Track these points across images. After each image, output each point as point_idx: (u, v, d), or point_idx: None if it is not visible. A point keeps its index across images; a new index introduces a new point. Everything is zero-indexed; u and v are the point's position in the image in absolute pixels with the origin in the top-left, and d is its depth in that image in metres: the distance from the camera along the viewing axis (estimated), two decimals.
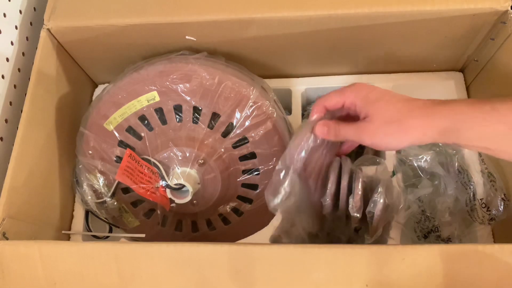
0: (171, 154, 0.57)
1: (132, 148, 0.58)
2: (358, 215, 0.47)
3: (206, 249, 0.44)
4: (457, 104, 0.40)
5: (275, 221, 0.58)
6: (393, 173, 0.59)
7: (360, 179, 0.47)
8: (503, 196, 0.55)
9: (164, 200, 0.58)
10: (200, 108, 0.55)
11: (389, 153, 0.60)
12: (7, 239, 0.48)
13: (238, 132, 0.56)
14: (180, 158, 0.57)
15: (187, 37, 0.58)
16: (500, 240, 0.58)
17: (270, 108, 0.55)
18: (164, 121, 0.57)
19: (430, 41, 0.59)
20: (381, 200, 0.46)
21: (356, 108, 0.44)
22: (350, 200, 0.47)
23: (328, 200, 0.48)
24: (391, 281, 0.41)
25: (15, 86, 0.60)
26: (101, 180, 0.60)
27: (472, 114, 0.39)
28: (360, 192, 0.47)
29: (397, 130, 0.41)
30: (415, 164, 0.58)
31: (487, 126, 0.38)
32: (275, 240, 0.50)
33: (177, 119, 0.56)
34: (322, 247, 0.42)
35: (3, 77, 0.58)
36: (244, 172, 0.59)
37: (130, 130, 0.58)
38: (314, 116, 0.46)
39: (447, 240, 0.58)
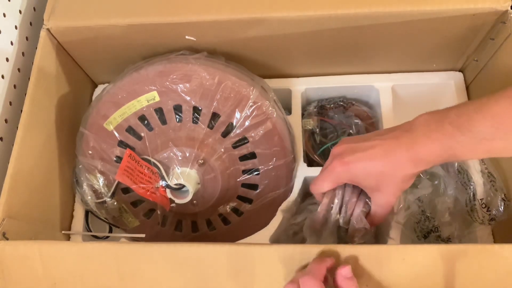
0: (171, 154, 0.57)
1: (132, 148, 0.58)
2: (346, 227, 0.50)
3: (206, 249, 0.44)
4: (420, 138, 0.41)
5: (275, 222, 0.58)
6: None
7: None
8: (503, 196, 0.55)
9: (164, 200, 0.58)
10: (200, 108, 0.55)
11: None
12: (7, 239, 0.48)
13: (238, 132, 0.56)
14: (180, 158, 0.57)
15: (187, 37, 0.58)
16: (500, 240, 0.58)
17: (270, 108, 0.55)
18: (164, 121, 0.57)
19: (430, 41, 0.59)
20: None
21: (356, 182, 0.46)
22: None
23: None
24: (391, 281, 0.41)
25: (15, 86, 0.60)
26: (101, 180, 0.60)
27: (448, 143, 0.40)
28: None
29: (394, 185, 0.44)
30: None
31: (458, 142, 0.39)
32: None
33: (177, 119, 0.56)
34: (322, 247, 0.42)
35: (3, 77, 0.58)
36: (244, 172, 0.59)
37: (130, 130, 0.58)
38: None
39: (447, 240, 0.58)
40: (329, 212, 0.50)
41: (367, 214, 0.49)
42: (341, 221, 0.50)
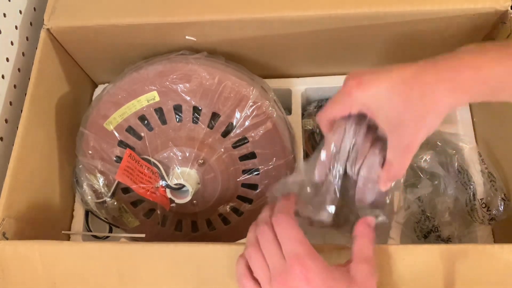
0: (171, 154, 0.57)
1: (132, 148, 0.58)
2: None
3: (206, 249, 0.44)
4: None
5: None
6: None
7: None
8: (503, 196, 0.55)
9: (164, 200, 0.58)
10: (200, 108, 0.55)
11: None
12: (7, 239, 0.48)
13: (238, 132, 0.56)
14: (180, 158, 0.57)
15: (187, 37, 0.58)
16: (500, 240, 0.58)
17: (270, 108, 0.55)
18: (164, 121, 0.57)
19: (430, 41, 0.59)
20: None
21: (369, 116, 0.39)
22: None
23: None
24: (391, 281, 0.41)
25: (15, 86, 0.60)
26: (101, 180, 0.60)
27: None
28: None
29: (421, 119, 0.34)
30: (415, 164, 0.58)
31: None
32: None
33: (177, 119, 0.56)
34: (322, 247, 0.42)
35: (3, 77, 0.58)
36: (244, 172, 0.59)
37: (130, 130, 0.58)
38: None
39: (447, 240, 0.58)
40: (335, 158, 0.41)
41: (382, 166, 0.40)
42: (349, 168, 0.41)
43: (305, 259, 0.35)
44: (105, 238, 0.64)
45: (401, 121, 0.35)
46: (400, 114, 0.35)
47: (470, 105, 0.65)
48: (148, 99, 0.55)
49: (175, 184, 0.56)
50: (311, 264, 0.35)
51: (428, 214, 0.59)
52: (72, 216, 0.64)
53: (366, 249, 0.38)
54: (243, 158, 0.58)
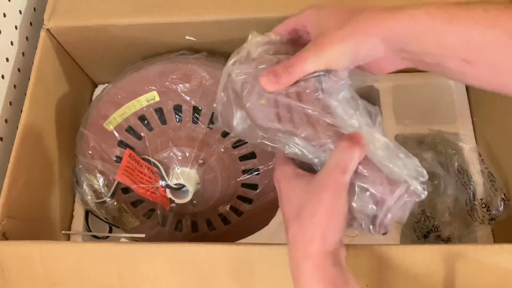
0: (171, 154, 0.57)
1: (132, 148, 0.58)
2: None
3: (206, 249, 0.44)
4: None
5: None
6: None
7: None
8: (503, 196, 0.55)
9: (164, 200, 0.58)
10: (200, 108, 0.55)
11: None
12: (7, 239, 0.48)
13: None
14: (180, 158, 0.57)
15: (187, 37, 0.58)
16: (500, 240, 0.58)
17: None
18: (164, 121, 0.57)
19: None
20: None
21: (308, 27, 0.40)
22: None
23: None
24: (391, 281, 0.41)
25: (15, 86, 0.60)
26: (101, 180, 0.60)
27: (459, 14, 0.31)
28: None
29: (352, 31, 0.35)
30: None
31: (476, 31, 0.31)
32: None
33: (177, 119, 0.56)
34: None
35: (3, 77, 0.58)
36: (244, 172, 0.59)
37: (130, 130, 0.58)
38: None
39: (447, 240, 0.58)
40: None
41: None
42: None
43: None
44: (105, 238, 0.64)
45: (325, 29, 0.37)
46: (329, 26, 0.37)
47: (470, 105, 0.65)
48: (148, 99, 0.55)
49: (175, 184, 0.56)
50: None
51: (428, 214, 0.59)
52: (72, 216, 0.64)
53: (338, 170, 0.36)
54: (243, 158, 0.58)
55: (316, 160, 0.38)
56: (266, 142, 0.40)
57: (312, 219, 0.35)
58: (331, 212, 0.35)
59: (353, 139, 0.36)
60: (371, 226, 0.38)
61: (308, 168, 0.40)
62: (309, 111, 0.38)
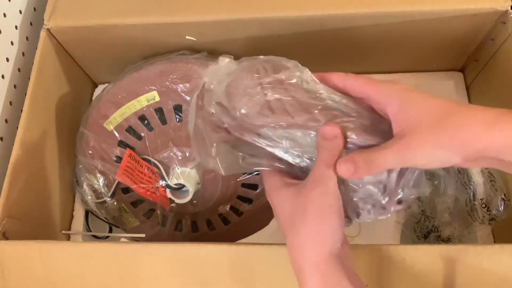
0: (171, 154, 0.57)
1: (132, 148, 0.58)
2: None
3: (206, 249, 0.44)
4: None
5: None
6: None
7: None
8: (503, 196, 0.55)
9: (164, 200, 0.58)
10: None
11: None
12: (7, 239, 0.48)
13: None
14: (180, 158, 0.57)
15: (187, 37, 0.58)
16: (500, 240, 0.58)
17: None
18: (164, 121, 0.57)
19: (430, 41, 0.59)
20: None
21: (387, 108, 0.36)
22: None
23: None
24: (391, 281, 0.41)
25: (15, 86, 0.60)
26: (101, 180, 0.60)
27: None
28: None
29: (450, 142, 0.32)
30: None
31: None
32: None
33: (177, 119, 0.56)
34: None
35: (3, 77, 0.58)
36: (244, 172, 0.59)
37: (130, 130, 0.58)
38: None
39: (447, 240, 0.58)
40: None
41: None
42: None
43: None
44: (105, 238, 0.64)
45: (413, 122, 0.33)
46: (418, 120, 0.33)
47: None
48: (148, 99, 0.55)
49: (175, 184, 0.56)
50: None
51: (428, 214, 0.59)
52: (72, 216, 0.64)
53: (322, 165, 0.35)
54: None
55: (303, 164, 0.38)
56: (251, 160, 0.39)
57: (305, 222, 0.35)
58: (322, 211, 0.34)
59: (327, 132, 0.36)
60: (384, 200, 0.37)
61: (296, 176, 0.40)
62: (300, 98, 0.38)
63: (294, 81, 0.39)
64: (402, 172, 0.37)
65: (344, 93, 0.39)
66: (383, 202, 0.37)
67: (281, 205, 0.38)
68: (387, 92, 0.36)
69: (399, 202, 0.38)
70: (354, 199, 0.37)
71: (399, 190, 0.37)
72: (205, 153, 0.40)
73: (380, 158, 0.34)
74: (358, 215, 0.38)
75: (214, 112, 0.40)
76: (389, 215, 0.38)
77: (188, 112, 0.56)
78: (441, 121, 0.32)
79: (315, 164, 0.36)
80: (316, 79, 0.40)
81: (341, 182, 0.37)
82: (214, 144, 0.40)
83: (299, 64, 0.41)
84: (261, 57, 0.42)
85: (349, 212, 0.38)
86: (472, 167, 0.35)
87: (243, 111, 0.38)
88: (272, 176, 0.39)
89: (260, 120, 0.38)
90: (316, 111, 0.37)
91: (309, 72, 0.41)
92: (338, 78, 0.39)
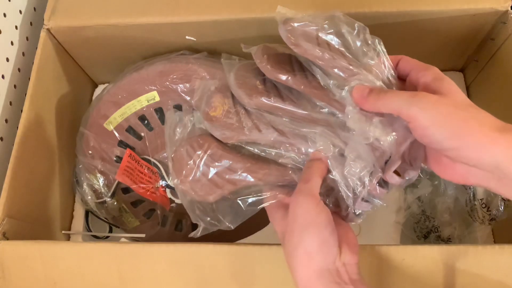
0: None
1: (132, 148, 0.58)
2: None
3: (206, 249, 0.44)
4: None
5: None
6: None
7: None
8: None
9: (164, 200, 0.58)
10: None
11: None
12: (7, 239, 0.48)
13: None
14: None
15: (187, 37, 0.58)
16: (500, 240, 0.58)
17: None
18: (164, 121, 0.57)
19: (430, 41, 0.59)
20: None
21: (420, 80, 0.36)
22: None
23: None
24: (391, 281, 0.41)
25: (15, 86, 0.60)
26: (101, 180, 0.60)
27: None
28: None
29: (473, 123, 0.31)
30: None
31: None
32: None
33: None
34: None
35: (3, 77, 0.58)
36: None
37: (130, 130, 0.58)
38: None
39: (447, 240, 0.58)
40: None
41: None
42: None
43: None
44: (105, 238, 0.64)
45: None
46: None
47: None
48: (148, 99, 0.55)
49: None
50: None
51: (428, 214, 0.59)
52: (72, 216, 0.64)
53: (307, 176, 0.37)
54: None
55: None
56: (252, 200, 0.40)
57: (292, 241, 0.35)
58: (307, 228, 0.34)
59: (312, 156, 0.37)
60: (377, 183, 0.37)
61: None
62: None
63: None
64: (400, 140, 0.36)
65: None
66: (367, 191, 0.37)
67: (275, 223, 0.38)
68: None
69: (381, 186, 0.38)
70: (349, 179, 0.37)
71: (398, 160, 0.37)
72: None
73: (393, 94, 0.34)
74: (355, 203, 0.38)
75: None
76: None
77: (187, 112, 0.56)
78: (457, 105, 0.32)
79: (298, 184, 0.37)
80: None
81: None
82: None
83: None
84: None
85: (348, 204, 0.38)
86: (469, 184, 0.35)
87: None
88: (275, 207, 0.39)
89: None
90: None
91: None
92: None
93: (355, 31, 0.40)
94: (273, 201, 0.39)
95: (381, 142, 0.36)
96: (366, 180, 0.37)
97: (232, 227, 0.40)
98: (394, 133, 0.36)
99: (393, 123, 0.36)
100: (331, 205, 0.39)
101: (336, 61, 0.37)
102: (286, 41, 0.39)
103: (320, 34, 0.39)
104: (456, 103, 0.32)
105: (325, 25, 0.40)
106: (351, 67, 0.37)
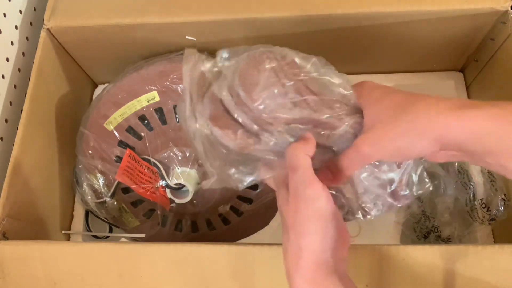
0: (171, 154, 0.57)
1: (132, 148, 0.58)
2: None
3: (206, 249, 0.44)
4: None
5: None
6: None
7: None
8: (503, 196, 0.55)
9: (164, 200, 0.58)
10: None
11: None
12: (7, 239, 0.48)
13: None
14: (180, 158, 0.57)
15: (187, 37, 0.58)
16: (500, 240, 0.58)
17: None
18: (164, 121, 0.57)
19: (430, 41, 0.59)
20: None
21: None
22: None
23: None
24: (391, 281, 0.41)
25: (15, 86, 0.60)
26: (101, 180, 0.60)
27: None
28: None
29: (406, 130, 0.32)
30: None
31: None
32: None
33: (177, 119, 0.56)
34: None
35: (3, 77, 0.58)
36: None
37: (130, 130, 0.58)
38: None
39: (447, 240, 0.58)
40: None
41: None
42: None
43: None
44: (105, 238, 0.64)
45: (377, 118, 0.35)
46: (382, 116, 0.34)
47: None
48: (148, 99, 0.55)
49: (175, 184, 0.56)
50: None
51: (428, 214, 0.59)
52: (72, 216, 0.64)
53: (294, 159, 0.35)
54: None
55: None
56: (245, 170, 0.38)
57: (295, 232, 0.34)
58: (308, 221, 0.34)
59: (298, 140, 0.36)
60: (390, 198, 0.38)
61: None
62: (316, 91, 0.38)
63: (308, 73, 0.39)
64: (406, 170, 0.37)
65: None
66: (389, 199, 0.38)
67: (280, 207, 0.37)
68: (359, 96, 0.37)
69: (406, 198, 0.38)
70: (363, 198, 0.38)
71: (404, 187, 0.38)
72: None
73: (344, 160, 0.35)
74: (365, 214, 0.38)
75: (224, 99, 0.38)
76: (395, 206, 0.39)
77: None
78: (399, 111, 0.33)
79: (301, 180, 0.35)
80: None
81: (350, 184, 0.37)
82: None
83: (301, 53, 0.40)
84: (261, 49, 0.41)
85: (355, 211, 0.38)
86: (442, 161, 0.35)
87: (261, 104, 0.37)
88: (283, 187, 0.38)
89: (282, 112, 0.37)
90: (338, 107, 0.37)
91: (317, 60, 0.40)
92: None
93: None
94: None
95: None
96: (380, 204, 0.38)
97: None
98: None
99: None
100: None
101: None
102: None
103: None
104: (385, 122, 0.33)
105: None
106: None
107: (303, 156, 0.35)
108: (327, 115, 0.37)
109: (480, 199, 0.56)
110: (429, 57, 0.64)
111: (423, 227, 0.59)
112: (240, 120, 0.37)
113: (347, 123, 0.36)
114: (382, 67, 0.66)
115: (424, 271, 0.41)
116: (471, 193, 0.57)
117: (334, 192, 0.39)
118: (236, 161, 0.38)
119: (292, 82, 0.37)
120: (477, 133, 0.30)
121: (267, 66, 0.38)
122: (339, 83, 0.38)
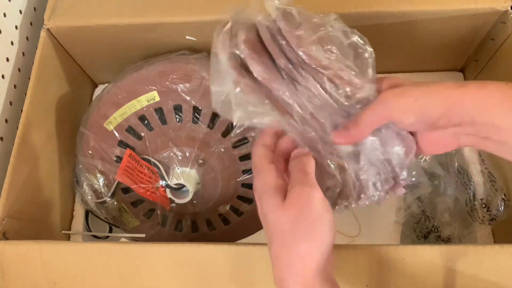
0: (171, 154, 0.57)
1: (132, 148, 0.58)
2: None
3: (206, 249, 0.44)
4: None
5: None
6: None
7: None
8: (503, 196, 0.55)
9: (164, 200, 0.58)
10: (200, 108, 0.55)
11: None
12: (7, 239, 0.48)
13: (238, 132, 0.56)
14: (180, 158, 0.57)
15: (187, 37, 0.58)
16: (500, 240, 0.58)
17: None
18: (164, 121, 0.57)
19: (430, 41, 0.59)
20: None
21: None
22: None
23: None
24: (391, 281, 0.41)
25: (15, 86, 0.60)
26: (101, 180, 0.60)
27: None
28: None
29: (430, 92, 0.34)
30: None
31: None
32: None
33: (177, 119, 0.56)
34: None
35: (3, 77, 0.58)
36: (244, 172, 0.59)
37: (130, 130, 0.58)
38: None
39: (447, 240, 0.58)
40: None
41: None
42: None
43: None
44: (105, 238, 0.64)
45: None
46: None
47: None
48: (148, 99, 0.55)
49: (175, 184, 0.56)
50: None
51: (428, 214, 0.59)
52: (72, 216, 0.64)
53: (298, 172, 0.36)
54: (243, 158, 0.58)
55: (309, 135, 0.37)
56: (255, 111, 0.37)
57: (294, 237, 0.34)
58: (309, 227, 0.34)
59: (295, 152, 0.37)
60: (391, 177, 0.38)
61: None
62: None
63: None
64: (407, 152, 0.37)
65: None
66: (391, 175, 0.38)
67: (271, 213, 0.37)
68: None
69: (405, 183, 0.38)
70: (362, 177, 0.37)
71: (404, 171, 0.38)
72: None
73: (363, 116, 0.36)
74: (359, 196, 0.38)
75: (275, 18, 0.39)
76: (387, 197, 0.39)
77: (187, 112, 0.56)
78: (422, 84, 0.35)
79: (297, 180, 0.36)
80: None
81: (352, 161, 0.37)
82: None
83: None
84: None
85: (352, 193, 0.38)
86: (458, 147, 0.36)
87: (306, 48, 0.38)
88: (264, 173, 0.38)
89: (318, 56, 0.37)
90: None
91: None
92: None
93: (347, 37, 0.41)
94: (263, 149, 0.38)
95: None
96: (379, 185, 0.37)
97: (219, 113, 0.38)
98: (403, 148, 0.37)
99: (401, 139, 0.37)
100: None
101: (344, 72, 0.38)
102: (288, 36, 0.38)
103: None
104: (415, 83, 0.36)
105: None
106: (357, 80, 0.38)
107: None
108: (354, 73, 0.39)
109: (480, 199, 0.56)
110: (429, 57, 0.64)
111: (423, 227, 0.59)
112: (276, 50, 0.38)
113: (370, 86, 0.38)
114: (382, 67, 0.66)
115: (424, 271, 0.41)
116: (471, 193, 0.57)
117: (332, 165, 0.38)
118: (246, 101, 0.37)
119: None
120: (488, 103, 0.33)
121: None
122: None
